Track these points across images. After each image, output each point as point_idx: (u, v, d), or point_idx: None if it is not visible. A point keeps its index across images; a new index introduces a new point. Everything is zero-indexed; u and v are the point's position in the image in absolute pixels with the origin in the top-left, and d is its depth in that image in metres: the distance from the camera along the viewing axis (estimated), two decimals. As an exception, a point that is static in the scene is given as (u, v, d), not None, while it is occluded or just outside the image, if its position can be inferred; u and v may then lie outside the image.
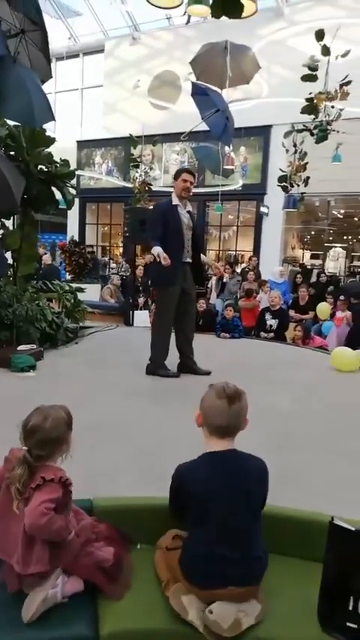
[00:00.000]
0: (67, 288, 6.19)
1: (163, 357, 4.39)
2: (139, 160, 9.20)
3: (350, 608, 1.57)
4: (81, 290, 6.35)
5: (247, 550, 1.59)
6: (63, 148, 6.81)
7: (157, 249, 4.13)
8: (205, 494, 1.59)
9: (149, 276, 4.44)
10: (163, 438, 2.97)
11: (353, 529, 1.61)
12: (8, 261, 5.38)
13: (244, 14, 3.45)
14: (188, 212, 4.40)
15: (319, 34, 6.40)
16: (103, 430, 3.03)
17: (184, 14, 3.42)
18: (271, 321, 7.17)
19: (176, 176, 4.39)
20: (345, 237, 15.91)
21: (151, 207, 8.62)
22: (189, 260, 4.36)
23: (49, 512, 1.57)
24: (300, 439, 3.07)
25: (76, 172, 6.83)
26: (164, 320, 4.40)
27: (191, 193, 4.39)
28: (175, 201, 4.32)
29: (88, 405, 3.46)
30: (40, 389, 3.78)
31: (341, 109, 6.80)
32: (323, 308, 8.21)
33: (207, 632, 1.52)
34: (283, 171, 8.19)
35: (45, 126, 5.07)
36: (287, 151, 7.80)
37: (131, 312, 7.40)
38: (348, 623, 1.55)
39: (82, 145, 14.46)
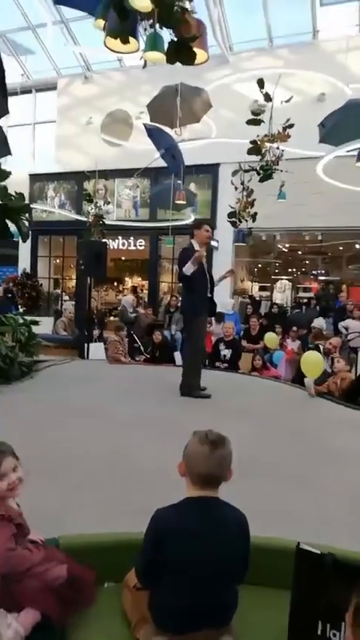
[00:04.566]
0: (22, 321, 6.05)
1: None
2: (92, 195, 9.29)
3: (319, 632, 1.60)
4: (35, 323, 6.24)
5: (220, 600, 1.56)
6: (15, 181, 6.79)
7: (187, 264, 4.76)
8: (180, 542, 1.52)
9: (184, 307, 5.43)
10: (123, 473, 2.93)
11: (319, 552, 1.66)
12: None
13: (196, 61, 3.67)
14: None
15: (260, 83, 6.83)
16: (61, 466, 2.96)
17: (141, 59, 3.56)
18: (225, 351, 7.31)
19: (199, 227, 5.16)
20: (290, 270, 16.59)
21: (104, 241, 8.71)
22: (209, 295, 5.10)
23: (12, 550, 1.58)
24: (259, 466, 3.12)
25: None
26: (197, 345, 5.16)
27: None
28: (197, 247, 5.00)
29: (45, 442, 3.37)
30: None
31: (283, 150, 7.22)
32: (271, 337, 8.46)
33: None
34: (232, 207, 8.52)
35: (-1, 160, 5.08)
36: (236, 188, 8.14)
37: (86, 345, 7.33)
38: (317, 648, 1.58)
39: (35, 178, 14.41)
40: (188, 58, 3.54)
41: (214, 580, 1.54)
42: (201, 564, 1.52)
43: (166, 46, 3.42)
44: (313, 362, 5.34)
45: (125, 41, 3.30)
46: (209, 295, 5.13)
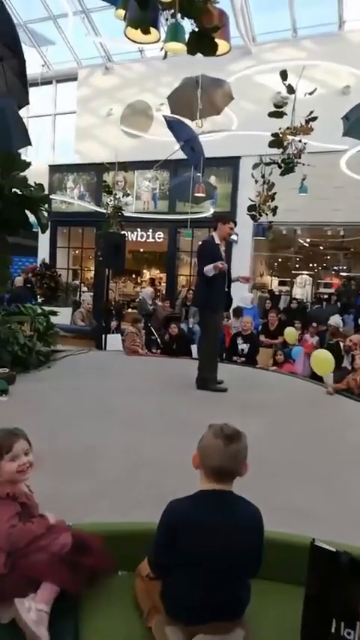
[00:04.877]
0: (40, 311, 6.11)
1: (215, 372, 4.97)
2: (111, 186, 9.30)
3: (333, 630, 1.59)
4: (54, 313, 6.29)
5: (233, 593, 1.56)
6: (35, 172, 6.83)
7: (209, 266, 4.77)
8: (194, 535, 1.52)
9: (200, 301, 5.34)
10: (138, 464, 2.94)
11: (334, 550, 1.64)
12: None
13: (218, 52, 3.61)
14: (224, 251, 5.15)
15: (283, 75, 6.71)
16: (77, 456, 2.99)
17: (162, 50, 3.53)
18: (243, 346, 7.28)
19: (224, 221, 5.09)
20: (311, 265, 16.39)
21: (123, 233, 8.73)
22: (226, 289, 5.06)
23: (13, 528, 1.62)
24: (275, 462, 3.11)
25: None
26: (214, 339, 5.08)
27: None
28: (217, 241, 5.04)
29: (61, 431, 3.41)
30: (12, 414, 3.69)
31: (305, 143, 7.10)
32: (291, 332, 8.39)
33: None
34: (252, 201, 8.45)
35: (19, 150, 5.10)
36: (256, 181, 8.05)
37: (103, 335, 7.38)
38: (331, 646, 1.57)
39: (54, 169, 14.50)
40: (210, 49, 3.49)
41: (227, 573, 1.53)
42: (214, 557, 1.51)
43: (187, 36, 3.38)
44: (323, 360, 5.29)
45: (146, 31, 3.28)
46: (226, 289, 5.12)
